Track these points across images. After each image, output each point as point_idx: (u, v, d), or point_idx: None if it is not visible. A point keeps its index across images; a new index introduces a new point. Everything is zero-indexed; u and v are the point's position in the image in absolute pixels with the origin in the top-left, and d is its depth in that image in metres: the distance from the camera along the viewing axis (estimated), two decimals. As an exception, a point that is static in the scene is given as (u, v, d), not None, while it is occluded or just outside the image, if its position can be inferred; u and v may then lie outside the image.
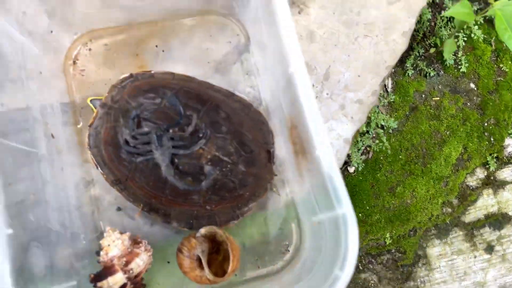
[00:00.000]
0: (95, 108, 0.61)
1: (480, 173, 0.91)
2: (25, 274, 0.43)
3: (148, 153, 0.57)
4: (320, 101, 0.69)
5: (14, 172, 0.46)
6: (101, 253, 0.56)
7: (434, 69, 0.92)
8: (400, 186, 0.88)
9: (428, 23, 0.93)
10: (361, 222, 0.86)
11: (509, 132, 0.93)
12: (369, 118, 0.72)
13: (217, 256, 0.61)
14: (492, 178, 0.92)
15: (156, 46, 0.68)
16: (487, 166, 0.91)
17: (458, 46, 0.91)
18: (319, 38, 0.72)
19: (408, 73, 0.91)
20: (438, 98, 0.92)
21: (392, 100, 0.90)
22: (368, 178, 0.88)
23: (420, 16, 0.86)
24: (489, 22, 0.95)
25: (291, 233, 0.63)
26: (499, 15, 0.74)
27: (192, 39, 0.69)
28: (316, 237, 0.54)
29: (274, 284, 0.59)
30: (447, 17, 0.93)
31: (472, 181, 0.91)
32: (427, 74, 0.92)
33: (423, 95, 0.92)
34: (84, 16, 0.63)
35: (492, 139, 0.92)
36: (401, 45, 0.73)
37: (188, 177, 0.57)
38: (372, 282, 0.85)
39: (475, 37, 0.92)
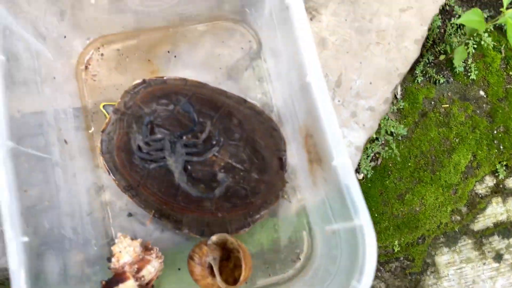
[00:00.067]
0: (108, 113, 0.61)
1: (489, 181, 0.91)
2: (40, 281, 0.43)
3: (161, 159, 0.56)
4: (331, 108, 0.69)
5: (29, 178, 0.46)
6: (113, 259, 0.55)
7: (443, 76, 0.92)
8: (409, 193, 0.88)
9: (438, 30, 0.93)
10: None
11: (518, 140, 0.93)
12: (378, 125, 0.72)
13: (227, 264, 0.60)
14: (501, 186, 0.91)
15: (168, 51, 0.68)
16: (497, 174, 0.91)
17: (468, 53, 0.91)
18: (331, 45, 0.72)
19: (418, 80, 0.91)
20: (448, 105, 0.91)
21: (401, 107, 0.90)
22: (377, 185, 0.87)
23: (431, 23, 0.86)
24: (499, 29, 0.95)
25: (302, 241, 0.63)
26: (510, 23, 0.74)
27: (204, 45, 0.69)
28: (329, 246, 0.53)
29: (285, 292, 0.59)
30: (457, 24, 0.93)
31: (481, 189, 0.91)
32: (437, 81, 0.91)
33: (433, 102, 0.91)
34: (96, 21, 0.63)
35: (501, 147, 0.91)
36: (413, 52, 0.73)
37: (201, 184, 0.57)
38: (380, 289, 0.85)
39: (485, 45, 0.91)
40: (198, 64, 0.68)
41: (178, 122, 0.58)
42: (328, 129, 0.43)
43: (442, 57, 0.91)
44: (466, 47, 0.90)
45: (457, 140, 0.90)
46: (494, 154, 0.91)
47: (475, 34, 0.90)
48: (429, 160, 0.89)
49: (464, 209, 0.89)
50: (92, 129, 0.64)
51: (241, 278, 0.55)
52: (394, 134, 0.88)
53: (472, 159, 0.90)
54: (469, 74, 0.92)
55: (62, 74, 0.61)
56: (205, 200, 0.58)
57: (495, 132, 0.92)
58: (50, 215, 0.49)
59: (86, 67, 0.66)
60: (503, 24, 0.94)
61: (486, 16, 0.94)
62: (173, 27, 0.69)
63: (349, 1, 0.73)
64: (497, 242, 0.89)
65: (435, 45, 0.92)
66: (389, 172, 0.88)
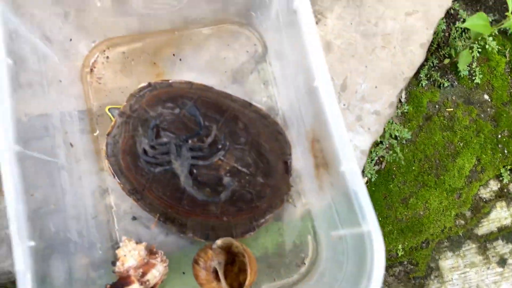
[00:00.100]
0: (113, 116, 0.61)
1: (494, 185, 0.91)
2: (46, 285, 0.43)
3: (167, 163, 0.56)
4: (336, 112, 0.69)
5: (35, 182, 0.46)
6: (117, 263, 0.55)
7: (448, 79, 0.92)
8: (413, 197, 0.87)
9: (443, 33, 0.92)
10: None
11: (523, 144, 0.93)
12: (383, 128, 0.72)
13: (232, 268, 0.60)
14: (505, 190, 0.91)
15: (174, 54, 0.68)
16: (501, 178, 0.91)
17: (473, 57, 0.90)
18: (336, 48, 0.71)
19: (422, 84, 0.90)
20: (452, 109, 0.91)
21: (405, 111, 0.90)
22: (380, 188, 0.87)
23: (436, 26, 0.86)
24: (504, 33, 0.95)
25: (307, 245, 0.63)
26: (516, 28, 0.73)
27: (209, 48, 0.69)
28: (335, 252, 0.53)
29: (290, 297, 0.59)
30: (461, 28, 0.92)
31: (485, 193, 0.90)
32: (441, 85, 0.91)
33: (437, 106, 0.91)
34: (101, 23, 0.63)
35: (505, 151, 0.91)
36: (419, 56, 0.73)
37: (207, 188, 0.57)
38: (384, 294, 0.85)
39: (490, 48, 0.91)
40: (203, 67, 0.68)
41: (184, 126, 0.58)
42: (336, 135, 0.43)
43: (446, 60, 0.91)
44: (470, 51, 0.89)
45: (461, 144, 0.90)
46: (499, 158, 0.91)
47: (479, 38, 0.90)
48: (433, 164, 0.89)
49: (468, 214, 0.89)
50: (97, 132, 0.64)
51: (247, 282, 0.55)
52: (398, 138, 0.88)
53: (476, 163, 0.90)
54: (473, 78, 0.92)
55: (67, 76, 0.61)
56: (211, 204, 0.58)
57: (500, 136, 0.91)
58: (56, 219, 0.49)
59: (92, 70, 0.66)
60: (507, 28, 0.94)
61: (491, 20, 0.94)
62: (179, 30, 0.69)
63: (355, 5, 0.73)
64: (501, 247, 0.89)
65: (440, 48, 0.92)
66: (393, 176, 0.88)
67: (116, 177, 0.58)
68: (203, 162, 0.57)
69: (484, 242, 0.89)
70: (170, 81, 0.62)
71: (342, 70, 0.71)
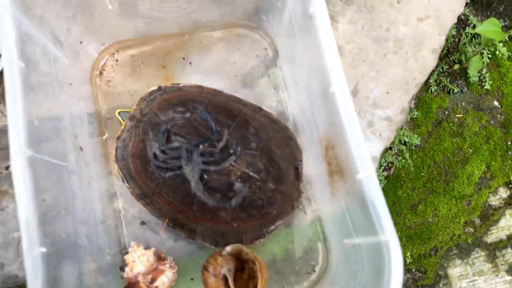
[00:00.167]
0: (123, 120, 0.60)
1: (503, 193, 0.90)
2: (55, 292, 0.42)
3: (177, 168, 0.56)
4: (347, 117, 0.68)
5: (46, 186, 0.45)
6: (126, 269, 0.54)
7: (457, 85, 0.91)
8: (421, 204, 0.86)
9: (453, 39, 0.92)
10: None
11: (533, 151, 0.92)
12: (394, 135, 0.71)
13: (241, 275, 0.59)
14: (515, 198, 0.90)
15: (183, 58, 0.68)
16: (510, 186, 0.90)
17: (483, 63, 0.90)
18: (347, 53, 0.71)
19: (431, 89, 0.90)
20: (461, 115, 0.90)
21: (415, 116, 0.89)
22: (389, 195, 0.86)
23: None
24: (514, 39, 0.94)
25: (317, 252, 0.62)
26: (529, 34, 0.73)
27: (219, 52, 0.69)
28: (348, 260, 0.52)
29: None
30: (471, 34, 0.92)
31: (494, 201, 0.89)
32: (451, 91, 0.91)
33: (446, 112, 0.90)
34: (111, 26, 0.63)
35: (515, 158, 0.90)
36: (430, 62, 0.72)
37: (217, 193, 0.56)
38: (391, 301, 0.84)
39: (500, 55, 0.91)
40: (213, 71, 0.68)
41: (195, 130, 0.57)
42: (353, 142, 0.42)
43: (456, 66, 0.90)
44: (481, 56, 0.89)
45: (470, 151, 0.89)
46: (508, 165, 0.90)
47: (490, 44, 0.89)
48: (442, 170, 0.88)
49: (477, 221, 0.88)
50: (106, 135, 0.63)
51: (257, 290, 0.54)
52: (408, 144, 0.87)
53: (485, 170, 0.89)
54: (483, 84, 0.91)
55: (77, 79, 0.60)
56: (221, 209, 0.57)
57: (509, 143, 0.91)
58: (66, 224, 0.48)
59: (101, 73, 0.65)
60: (518, 35, 0.93)
61: (501, 26, 0.93)
62: (188, 34, 0.69)
63: (366, 10, 0.73)
64: (511, 255, 0.88)
65: (450, 54, 0.91)
66: (402, 182, 0.87)
67: (125, 182, 0.57)
68: (214, 168, 0.56)
69: (493, 250, 0.88)
70: (180, 85, 0.62)
71: (354, 75, 0.70)
